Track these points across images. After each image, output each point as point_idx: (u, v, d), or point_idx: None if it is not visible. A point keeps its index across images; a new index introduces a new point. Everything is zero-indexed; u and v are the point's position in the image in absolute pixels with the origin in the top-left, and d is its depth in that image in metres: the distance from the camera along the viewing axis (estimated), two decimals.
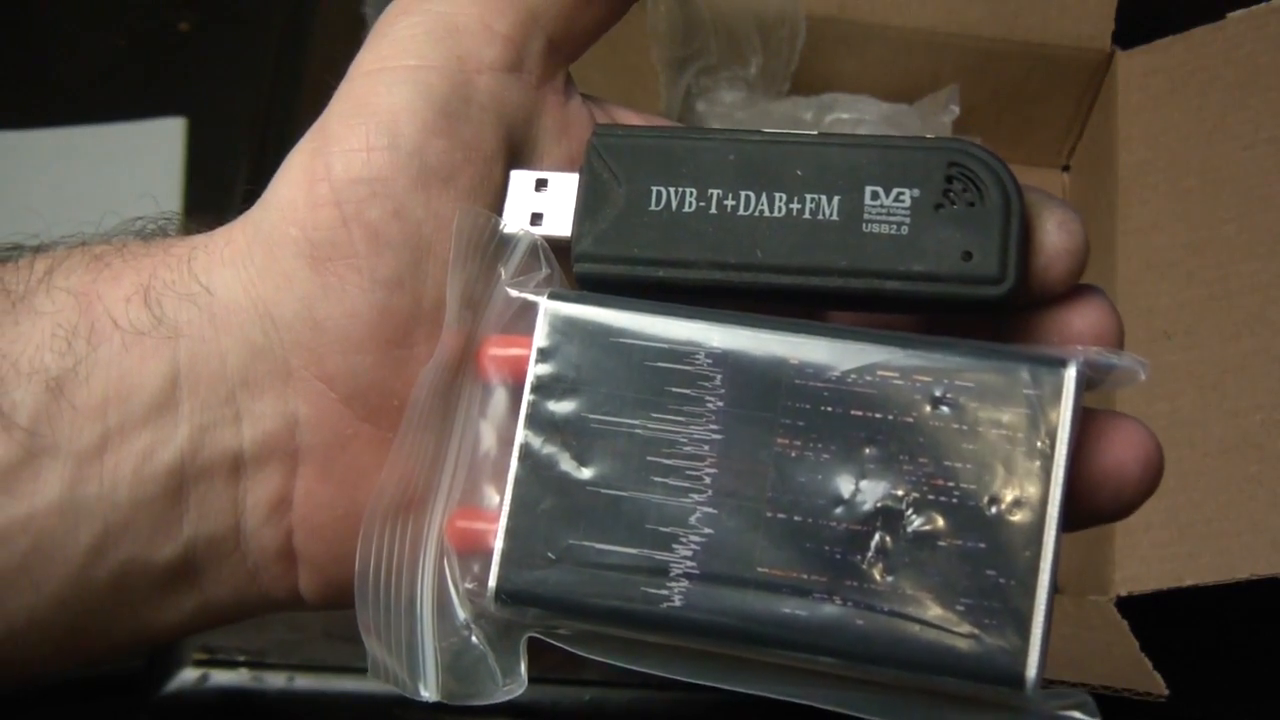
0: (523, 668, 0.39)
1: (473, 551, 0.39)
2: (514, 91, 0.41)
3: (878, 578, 0.36)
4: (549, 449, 0.38)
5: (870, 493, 0.36)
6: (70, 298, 0.39)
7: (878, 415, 0.36)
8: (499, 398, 0.40)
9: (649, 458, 0.37)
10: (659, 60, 0.90)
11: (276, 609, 0.42)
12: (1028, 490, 0.35)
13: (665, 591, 0.37)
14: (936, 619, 0.35)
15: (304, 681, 0.73)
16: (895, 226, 0.38)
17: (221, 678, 0.73)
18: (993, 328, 0.39)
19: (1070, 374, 0.36)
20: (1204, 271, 0.79)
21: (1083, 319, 0.38)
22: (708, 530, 0.37)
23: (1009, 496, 0.35)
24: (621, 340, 0.38)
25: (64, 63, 1.07)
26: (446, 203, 0.39)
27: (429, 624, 0.39)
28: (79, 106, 1.04)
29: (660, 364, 0.38)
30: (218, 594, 0.41)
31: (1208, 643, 0.75)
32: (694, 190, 0.39)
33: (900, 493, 0.36)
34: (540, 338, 0.38)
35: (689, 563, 0.37)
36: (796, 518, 0.36)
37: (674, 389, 0.37)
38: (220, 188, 0.99)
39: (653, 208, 0.39)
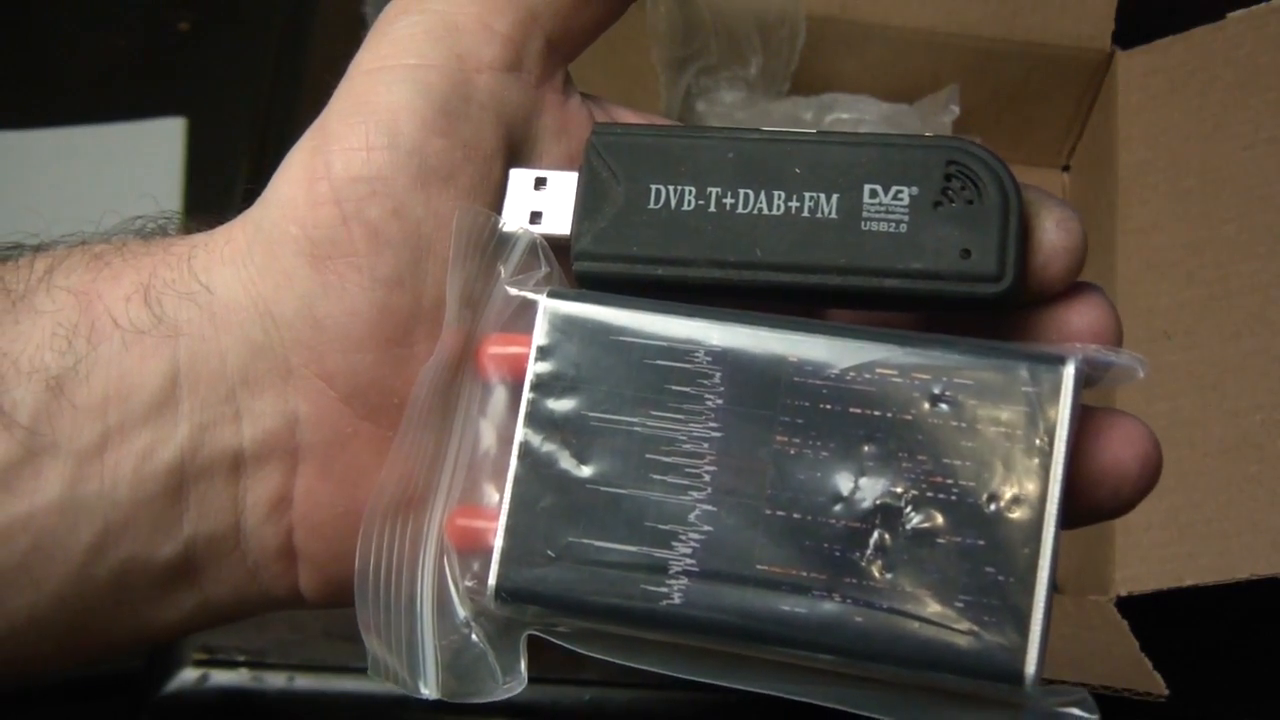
0: (523, 666, 0.39)
1: (472, 549, 0.39)
2: (513, 90, 0.41)
3: (877, 575, 0.36)
4: (549, 447, 0.38)
5: (869, 490, 0.36)
6: (70, 297, 0.39)
7: (877, 413, 0.36)
8: (499, 396, 0.40)
9: (648, 455, 0.37)
10: (659, 60, 0.90)
11: (277, 607, 0.42)
12: (1026, 487, 0.35)
13: (665, 589, 0.37)
14: (935, 616, 0.35)
15: (304, 681, 0.73)
16: (894, 224, 0.38)
17: (221, 678, 0.73)
18: (991, 325, 0.39)
19: (1069, 371, 0.36)
20: (1204, 271, 0.79)
21: (1081, 317, 0.38)
22: (707, 528, 0.37)
23: (1008, 494, 0.35)
24: (621, 338, 0.38)
25: (64, 63, 1.07)
26: (446, 201, 0.39)
27: (429, 622, 0.39)
28: (79, 106, 1.04)
29: (659, 362, 0.38)
30: (218, 592, 0.41)
31: (1208, 643, 0.76)
32: (693, 188, 0.39)
33: (899, 490, 0.36)
34: (540, 336, 0.38)
35: (688, 560, 0.37)
36: (796, 515, 0.36)
37: (673, 387, 0.37)
38: (220, 188, 0.99)
39: (652, 206, 0.39)
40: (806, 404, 0.37)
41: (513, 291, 0.40)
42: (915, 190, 0.38)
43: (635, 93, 0.90)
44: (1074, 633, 0.70)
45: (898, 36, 0.90)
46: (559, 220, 0.40)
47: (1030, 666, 0.35)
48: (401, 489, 0.39)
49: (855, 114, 0.91)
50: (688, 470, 0.37)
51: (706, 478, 0.37)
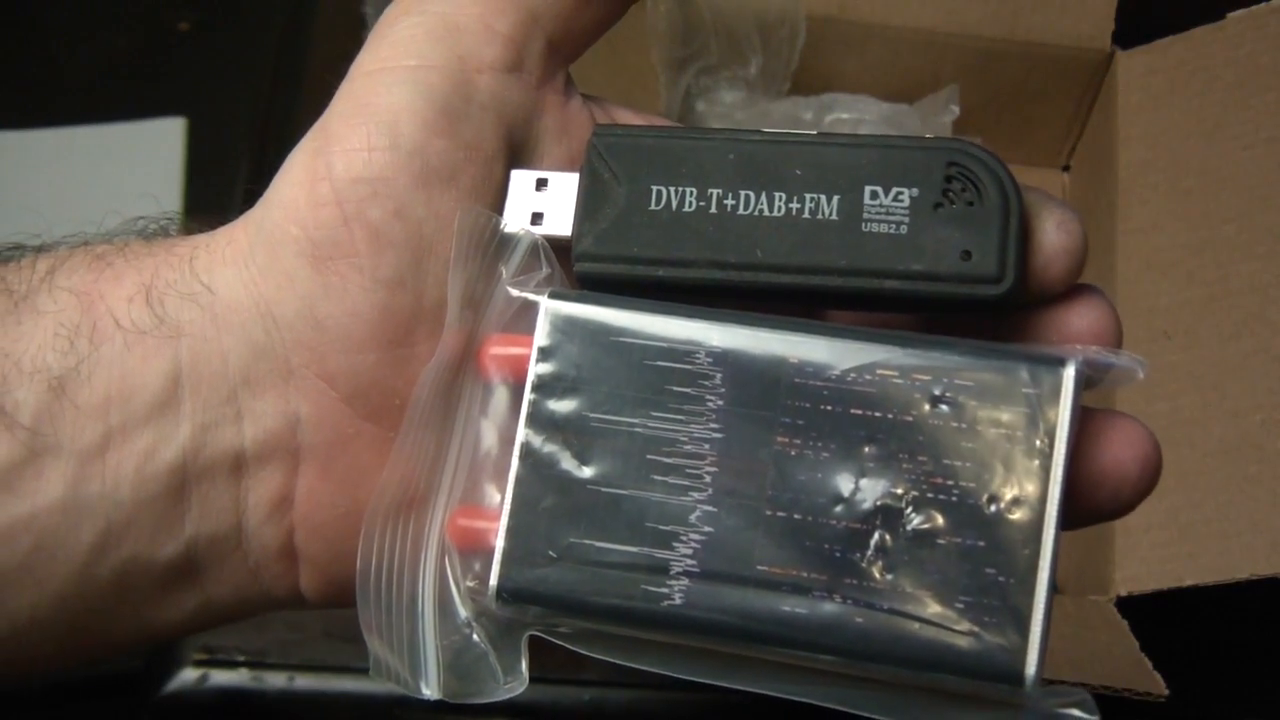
0: (524, 666, 0.39)
1: (474, 550, 0.39)
2: (514, 91, 0.41)
3: (877, 576, 0.36)
4: (550, 448, 0.38)
5: (870, 491, 0.36)
6: (72, 297, 0.39)
7: (877, 414, 0.36)
8: (500, 397, 0.40)
9: (649, 456, 0.37)
10: (659, 60, 0.90)
11: (278, 607, 0.42)
12: (1027, 488, 0.35)
13: (665, 590, 0.37)
14: (936, 617, 0.35)
15: (304, 681, 0.73)
16: (894, 226, 0.38)
17: (221, 678, 0.73)
18: (992, 327, 0.39)
19: (1069, 373, 0.36)
20: (1204, 271, 0.79)
21: (1081, 318, 0.38)
22: (708, 528, 0.37)
23: (1008, 495, 0.35)
24: (622, 339, 0.38)
25: (64, 63, 1.07)
26: (447, 202, 0.39)
27: (430, 622, 0.39)
28: (79, 106, 1.04)
29: (660, 363, 0.38)
30: (219, 592, 0.41)
31: (1208, 643, 0.76)
32: (694, 190, 0.39)
33: (900, 491, 0.36)
34: (541, 337, 0.39)
35: (689, 561, 0.37)
36: (796, 516, 0.36)
37: (674, 388, 0.38)
38: (220, 188, 0.99)
39: (653, 207, 0.40)
40: (807, 405, 0.37)
41: (514, 292, 0.40)
42: (916, 192, 0.38)
43: (635, 93, 0.90)
44: (1074, 633, 0.70)
45: (898, 36, 0.90)
46: (560, 221, 0.40)
47: (1030, 667, 0.35)
48: (403, 489, 0.39)
49: (855, 114, 0.91)
50: (688, 471, 0.37)
51: (707, 479, 0.37)
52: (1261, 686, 0.76)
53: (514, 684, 0.39)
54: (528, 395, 0.38)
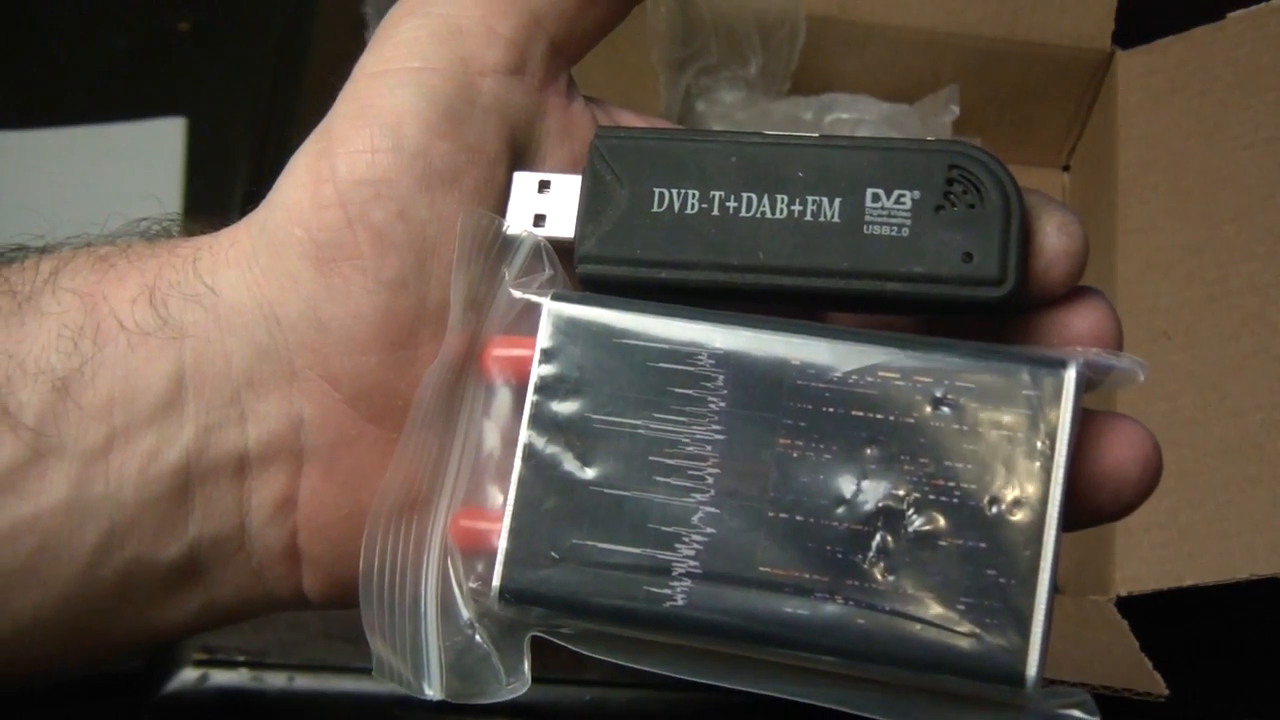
0: (526, 667, 0.39)
1: (476, 551, 0.39)
2: (517, 94, 0.41)
3: (879, 577, 0.36)
4: (552, 449, 0.38)
5: (871, 493, 0.36)
6: (76, 298, 0.40)
7: (879, 416, 0.37)
8: (503, 398, 0.40)
9: (652, 458, 0.37)
10: (659, 60, 0.90)
11: (281, 608, 0.42)
12: (1028, 490, 0.36)
13: (668, 591, 0.37)
14: (937, 618, 0.35)
15: (304, 681, 0.73)
16: (896, 228, 0.38)
17: (221, 678, 0.73)
18: (993, 329, 0.39)
19: (1070, 375, 0.36)
20: (1204, 271, 0.79)
21: (1082, 321, 0.38)
22: (710, 530, 0.37)
23: (1009, 496, 0.36)
24: (624, 341, 0.38)
25: (64, 63, 1.07)
26: (450, 204, 0.40)
27: (433, 623, 0.39)
28: (79, 106, 1.04)
29: (663, 365, 0.38)
30: (222, 593, 0.41)
31: (1208, 643, 0.76)
32: (696, 192, 0.39)
33: (901, 493, 0.36)
34: (544, 338, 0.39)
35: (691, 562, 0.37)
36: (798, 517, 0.37)
37: (676, 389, 0.38)
38: (220, 188, 0.99)
39: (655, 209, 0.40)
40: (809, 407, 0.37)
41: (517, 294, 0.40)
42: (917, 194, 0.38)
43: (635, 93, 0.90)
44: (1074, 633, 0.70)
45: (898, 36, 0.90)
46: (563, 223, 0.40)
47: (1031, 669, 0.35)
48: (406, 491, 0.39)
49: (855, 114, 0.91)
50: (691, 472, 0.37)
51: (709, 480, 0.37)
52: (1261, 686, 0.76)
53: (516, 685, 0.39)
54: (530, 397, 0.38)
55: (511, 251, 0.40)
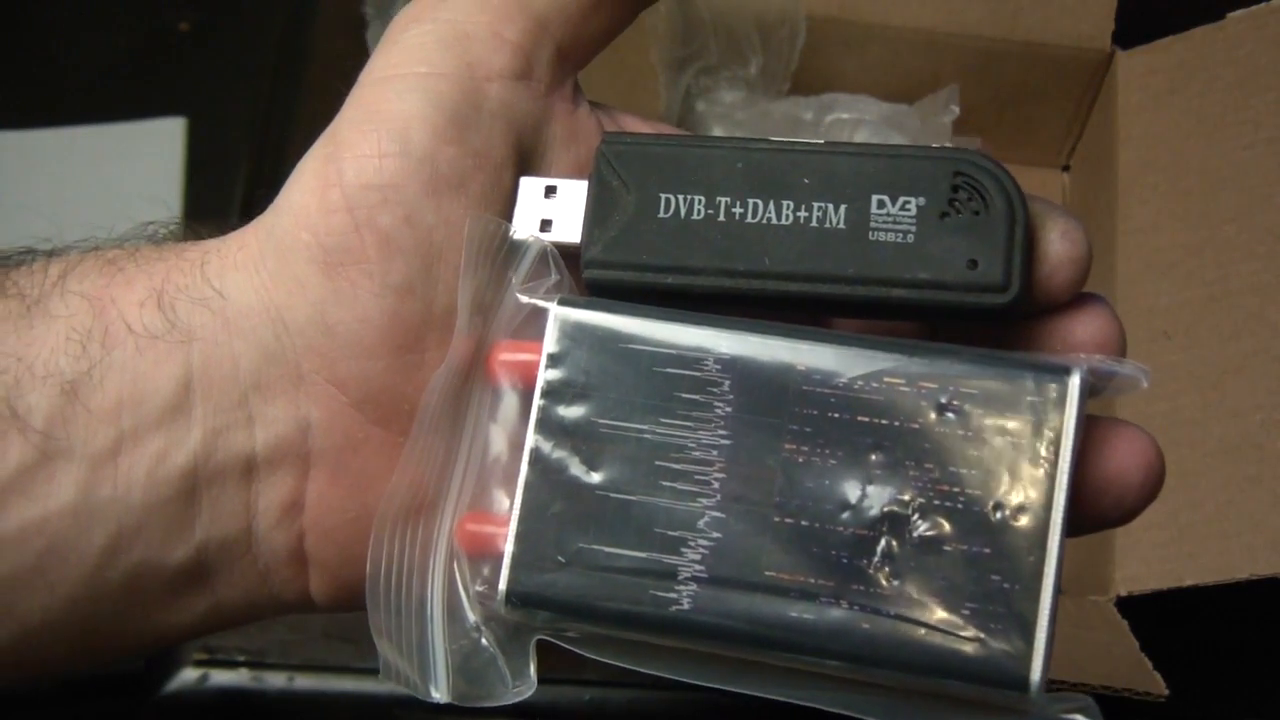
0: (532, 669, 0.39)
1: (483, 555, 0.39)
2: (523, 99, 0.41)
3: (884, 582, 0.36)
4: (559, 453, 0.38)
5: (876, 498, 0.36)
6: (84, 302, 0.40)
7: (884, 421, 0.37)
8: (509, 402, 0.40)
9: (658, 462, 0.38)
10: (659, 60, 0.90)
11: (287, 611, 0.43)
12: (1032, 496, 0.36)
13: (674, 595, 0.37)
14: (942, 623, 0.36)
15: (304, 681, 0.73)
16: (901, 235, 0.38)
17: (221, 678, 0.73)
18: (997, 335, 0.39)
19: (1074, 382, 0.36)
20: (1204, 271, 0.79)
21: (1086, 327, 0.39)
22: (716, 534, 0.37)
23: (1014, 502, 0.36)
24: (631, 346, 0.38)
25: (64, 63, 1.06)
26: (457, 209, 0.40)
27: (439, 626, 0.39)
28: (79, 106, 1.04)
29: (669, 370, 0.38)
30: (229, 596, 0.41)
31: (1208, 643, 0.76)
32: (702, 198, 0.40)
33: (906, 498, 0.36)
34: (550, 343, 0.39)
35: (697, 566, 0.37)
36: (804, 522, 0.37)
37: (683, 394, 0.38)
38: (220, 188, 0.99)
39: (661, 215, 0.40)
40: (815, 412, 0.37)
41: (523, 299, 0.40)
42: (922, 201, 0.38)
43: (635, 93, 0.90)
44: (1074, 633, 0.70)
45: (898, 36, 0.90)
46: (569, 228, 0.41)
47: (1035, 673, 0.35)
48: (412, 494, 0.39)
49: (855, 114, 0.91)
50: (697, 477, 0.37)
51: (715, 485, 0.37)
52: (1261, 686, 0.76)
53: (522, 687, 0.39)
54: (537, 401, 0.39)
55: (518, 256, 0.40)
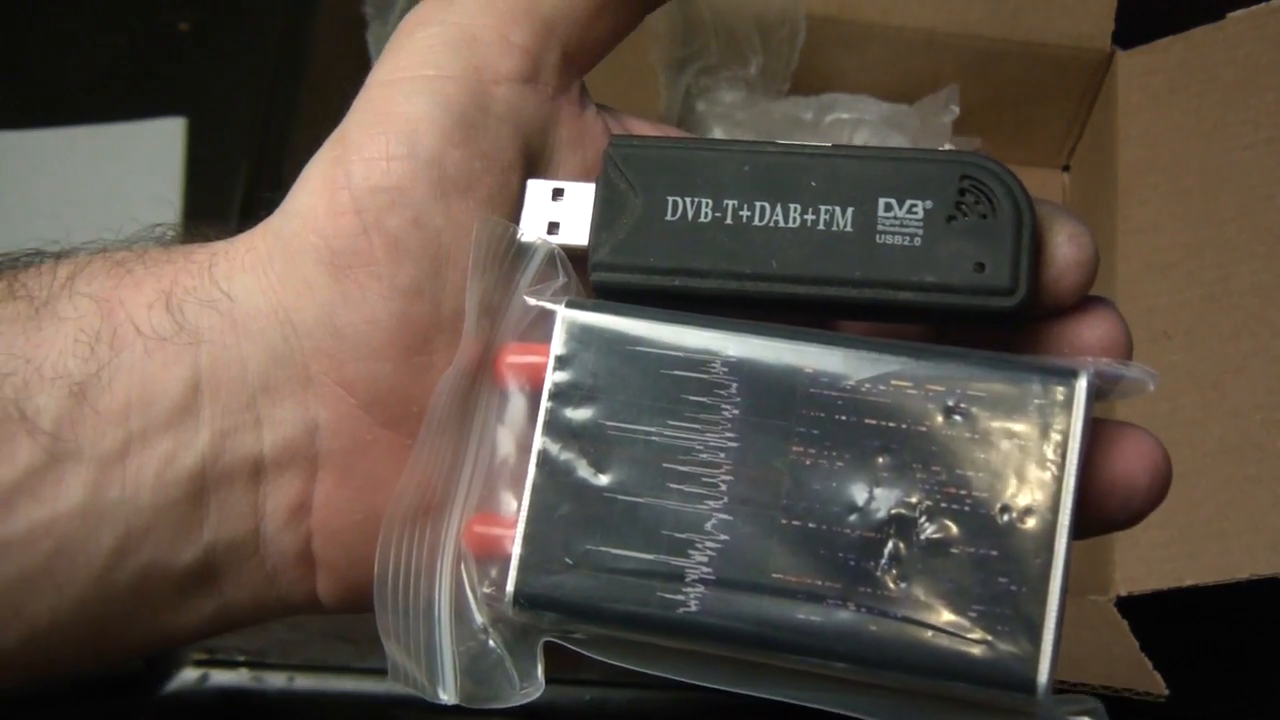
0: (540, 671, 0.39)
1: (490, 557, 0.39)
2: (530, 102, 0.41)
3: (891, 584, 0.36)
4: (566, 455, 0.38)
5: (884, 500, 0.37)
6: (92, 303, 0.40)
7: (891, 424, 0.37)
8: (517, 405, 0.40)
9: (665, 464, 0.38)
10: (659, 60, 0.90)
11: (294, 612, 0.43)
12: (1039, 498, 0.36)
13: (681, 597, 0.37)
14: (949, 625, 0.36)
15: (304, 681, 0.73)
16: (908, 238, 0.38)
17: (221, 678, 0.73)
18: (1004, 338, 0.39)
19: (1081, 385, 0.36)
20: (1204, 271, 0.79)
21: (1092, 330, 0.39)
22: (723, 536, 0.37)
23: (1021, 504, 0.36)
24: (638, 348, 0.38)
25: (64, 63, 1.06)
26: (465, 212, 0.40)
27: (447, 628, 0.39)
28: (79, 106, 1.04)
29: (676, 372, 0.38)
30: (237, 597, 0.41)
31: (1208, 643, 0.76)
32: (710, 201, 0.40)
33: (913, 500, 0.36)
34: (558, 345, 0.39)
35: (705, 568, 0.37)
36: (811, 524, 0.37)
37: (690, 397, 0.38)
38: (220, 188, 0.98)
39: (669, 218, 0.40)
40: (822, 415, 0.37)
41: (531, 301, 0.40)
42: (930, 204, 0.38)
43: (635, 93, 0.90)
44: (1074, 633, 0.70)
45: (898, 36, 0.90)
46: (576, 231, 0.41)
47: (1043, 676, 0.35)
48: (420, 496, 0.39)
49: (855, 114, 0.91)
50: (704, 479, 0.37)
51: (723, 487, 0.37)
52: (1261, 686, 0.76)
53: (530, 689, 0.39)
54: (544, 403, 0.39)
55: (526, 259, 0.40)
